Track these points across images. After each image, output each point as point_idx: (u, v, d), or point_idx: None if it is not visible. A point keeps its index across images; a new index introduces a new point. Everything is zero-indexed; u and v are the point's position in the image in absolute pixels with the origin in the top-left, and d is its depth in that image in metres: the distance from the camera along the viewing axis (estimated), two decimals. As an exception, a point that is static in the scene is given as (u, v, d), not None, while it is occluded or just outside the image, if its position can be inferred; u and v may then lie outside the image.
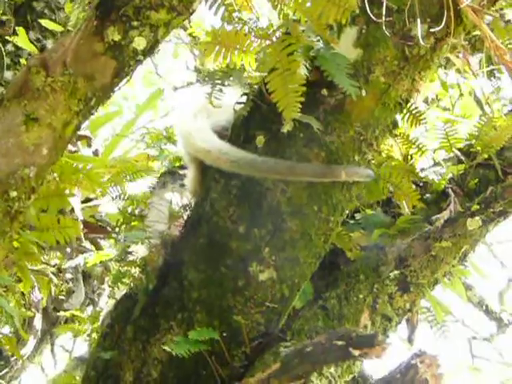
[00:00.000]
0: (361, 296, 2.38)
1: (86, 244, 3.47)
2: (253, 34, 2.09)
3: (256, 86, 2.29)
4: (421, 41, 2.15)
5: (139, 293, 2.35)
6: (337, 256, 2.54)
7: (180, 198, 2.82)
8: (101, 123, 4.14)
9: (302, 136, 2.20)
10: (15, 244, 2.22)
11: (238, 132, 2.31)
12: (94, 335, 2.56)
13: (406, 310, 2.42)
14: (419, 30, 2.14)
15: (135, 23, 1.95)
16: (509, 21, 2.61)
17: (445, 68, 3.13)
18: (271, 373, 2.06)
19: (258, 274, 2.22)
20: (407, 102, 2.30)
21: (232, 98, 2.34)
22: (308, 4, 2.03)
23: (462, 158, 2.78)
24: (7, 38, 3.52)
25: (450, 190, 2.70)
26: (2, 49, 3.57)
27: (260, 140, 2.24)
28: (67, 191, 2.39)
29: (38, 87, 1.94)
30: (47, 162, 1.96)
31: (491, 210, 2.39)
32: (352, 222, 2.64)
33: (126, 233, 2.75)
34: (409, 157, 2.73)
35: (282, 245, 2.22)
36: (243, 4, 2.15)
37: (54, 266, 3.43)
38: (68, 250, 3.43)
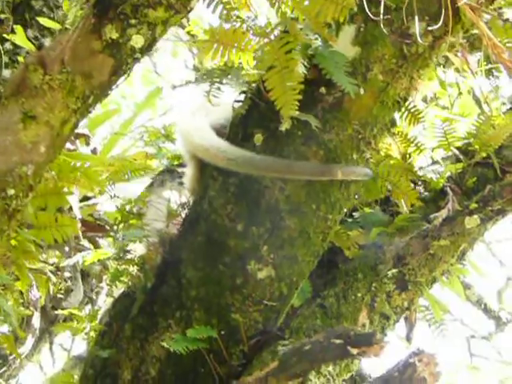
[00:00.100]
0: (359, 294, 2.38)
1: (85, 242, 3.47)
2: (251, 32, 2.09)
3: (254, 85, 2.28)
4: (419, 39, 2.15)
5: (137, 291, 2.35)
6: (335, 254, 2.54)
7: (178, 197, 2.81)
8: (99, 122, 4.14)
9: (301, 134, 2.20)
10: (13, 242, 2.22)
11: (236, 130, 2.31)
12: (92, 334, 2.56)
13: (404, 309, 2.42)
14: (417, 28, 2.14)
15: (133, 21, 1.95)
16: (507, 19, 2.61)
17: (444, 67, 3.12)
18: (269, 371, 2.06)
19: (257, 272, 2.22)
20: (405, 100, 2.30)
21: (230, 96, 2.34)
22: (306, 2, 2.03)
23: (461, 156, 2.78)
24: (5, 36, 3.52)
25: (448, 189, 2.70)
26: (1, 47, 3.57)
27: (258, 138, 2.24)
28: (65, 189, 2.39)
29: (35, 85, 1.93)
30: (45, 159, 1.96)
31: (489, 208, 2.39)
32: (350, 220, 2.64)
33: (124, 231, 2.74)
34: (407, 155, 2.73)
35: (281, 243, 2.22)
36: (241, 2, 2.15)
37: (52, 265, 3.43)
38: (66, 248, 3.42)
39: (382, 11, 2.11)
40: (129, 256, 2.44)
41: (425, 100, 3.11)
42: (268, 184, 2.21)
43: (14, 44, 3.54)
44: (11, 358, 3.69)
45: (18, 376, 3.88)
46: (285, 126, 2.19)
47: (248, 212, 2.22)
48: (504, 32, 2.21)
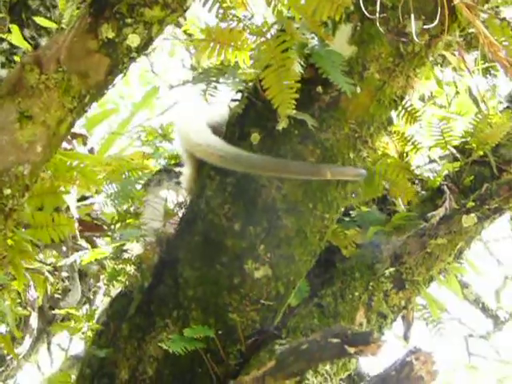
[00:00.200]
0: (356, 293, 2.38)
1: (82, 242, 3.47)
2: (247, 31, 2.09)
3: (251, 84, 2.28)
4: (415, 38, 2.15)
5: (134, 291, 2.35)
6: (332, 253, 2.54)
7: (175, 196, 2.81)
8: (97, 121, 4.14)
9: (297, 133, 2.20)
10: (9, 242, 2.21)
11: (233, 129, 2.31)
12: (90, 333, 2.56)
13: (401, 308, 2.42)
14: (413, 26, 2.14)
15: (129, 20, 1.95)
16: (504, 18, 2.61)
17: (441, 66, 3.12)
18: (266, 370, 2.06)
19: (254, 272, 2.22)
20: (402, 99, 2.30)
21: (227, 95, 2.34)
22: (302, 1, 2.03)
23: (458, 155, 2.78)
24: (2, 36, 3.52)
25: (445, 187, 2.70)
26: (-3, 47, 3.57)
27: (255, 137, 2.24)
28: (62, 189, 2.39)
29: (31, 85, 1.93)
30: (41, 159, 1.96)
31: (486, 206, 2.39)
32: (347, 219, 2.64)
33: (122, 231, 2.74)
34: (404, 154, 2.73)
35: (278, 242, 2.22)
36: (237, 1, 2.15)
37: (49, 265, 3.42)
38: (64, 248, 3.42)
39: (378, 10, 2.11)
40: (126, 255, 2.44)
41: (422, 99, 3.11)
42: (265, 183, 2.21)
43: (11, 44, 3.54)
44: (9, 358, 3.69)
45: (15, 376, 3.88)
46: (282, 125, 2.19)
47: (245, 211, 2.22)
48: (500, 30, 2.20)
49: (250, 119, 2.27)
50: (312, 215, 2.24)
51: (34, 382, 4.71)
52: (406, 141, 2.71)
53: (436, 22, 2.15)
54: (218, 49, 2.09)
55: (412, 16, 2.14)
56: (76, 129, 3.35)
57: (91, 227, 3.44)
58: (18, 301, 3.19)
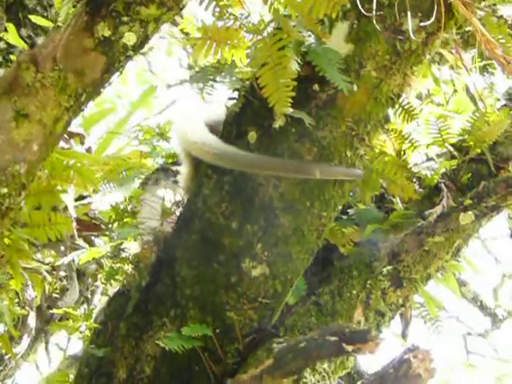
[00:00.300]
0: (354, 292, 2.38)
1: (80, 242, 3.47)
2: (244, 29, 2.09)
3: (248, 82, 2.28)
4: (412, 35, 2.15)
5: (132, 290, 2.35)
6: (330, 252, 2.54)
7: (173, 195, 2.81)
8: (94, 121, 4.13)
9: (294, 131, 2.20)
10: (6, 241, 2.21)
11: (230, 128, 2.30)
12: (88, 333, 2.55)
13: (399, 306, 2.42)
14: (410, 24, 2.15)
15: (125, 19, 1.94)
16: (501, 16, 2.61)
17: (438, 64, 3.12)
18: (264, 369, 2.06)
19: (251, 270, 2.22)
20: (399, 96, 2.30)
21: (224, 94, 2.34)
22: (299, -1, 2.03)
23: (455, 153, 2.78)
24: (-1, 35, 3.52)
25: (442, 185, 2.70)
26: (-6, 46, 3.56)
27: (252, 136, 2.23)
28: (59, 188, 2.39)
29: (28, 83, 1.93)
30: (38, 158, 1.95)
31: (484, 204, 2.39)
32: (345, 217, 2.64)
33: (119, 230, 2.74)
34: (402, 152, 2.73)
35: (275, 241, 2.22)
36: (234, -1, 2.15)
37: (47, 264, 3.42)
38: (62, 247, 3.42)
39: (374, 8, 2.11)
40: (123, 254, 2.44)
41: (419, 97, 3.11)
42: (262, 182, 2.21)
43: (7, 43, 3.54)
44: (7, 357, 3.69)
45: (14, 376, 3.88)
46: (278, 123, 2.19)
47: (242, 210, 2.22)
48: (497, 28, 2.20)
49: (246, 118, 2.26)
50: (309, 213, 2.24)
51: (33, 381, 4.70)
52: (403, 139, 2.71)
53: (432, 20, 2.15)
54: (214, 47, 2.09)
55: (408, 13, 2.15)
56: (73, 128, 3.35)
57: (89, 226, 3.44)
58: (16, 300, 3.19)
